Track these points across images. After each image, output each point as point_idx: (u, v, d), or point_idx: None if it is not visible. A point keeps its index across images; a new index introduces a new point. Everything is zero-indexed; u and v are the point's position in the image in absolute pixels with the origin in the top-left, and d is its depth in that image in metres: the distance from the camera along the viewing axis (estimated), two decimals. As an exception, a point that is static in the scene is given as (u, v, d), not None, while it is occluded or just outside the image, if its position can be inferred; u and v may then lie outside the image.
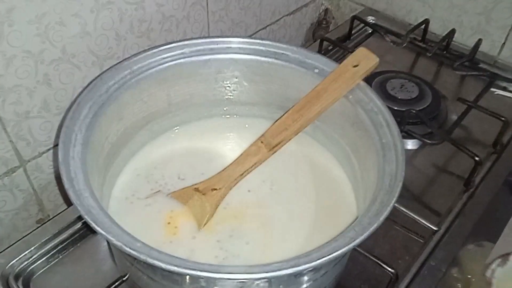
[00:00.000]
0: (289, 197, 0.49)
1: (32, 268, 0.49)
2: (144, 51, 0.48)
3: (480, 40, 0.76)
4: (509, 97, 0.72)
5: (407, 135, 0.61)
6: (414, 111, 0.63)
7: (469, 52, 0.75)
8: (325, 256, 0.32)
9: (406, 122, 0.62)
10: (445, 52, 0.77)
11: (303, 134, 0.54)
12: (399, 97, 0.67)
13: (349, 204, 0.48)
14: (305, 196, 0.49)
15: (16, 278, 0.47)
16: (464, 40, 0.79)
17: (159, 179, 0.49)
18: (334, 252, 0.33)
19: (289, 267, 0.32)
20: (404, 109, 0.64)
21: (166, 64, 0.48)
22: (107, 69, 0.46)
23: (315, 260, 0.32)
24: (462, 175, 0.59)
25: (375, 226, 0.34)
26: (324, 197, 0.49)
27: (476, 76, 0.74)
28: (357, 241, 0.33)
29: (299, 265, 0.32)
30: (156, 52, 0.48)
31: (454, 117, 0.67)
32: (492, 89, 0.72)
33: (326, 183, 0.50)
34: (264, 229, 0.46)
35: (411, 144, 0.64)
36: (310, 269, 0.35)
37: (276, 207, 0.48)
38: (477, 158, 0.56)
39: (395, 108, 0.65)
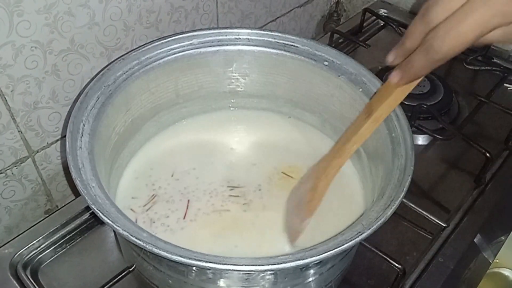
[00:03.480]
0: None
1: (40, 257, 0.49)
2: (152, 41, 0.47)
3: (494, 34, 0.74)
4: (523, 92, 0.71)
5: (417, 130, 0.60)
6: (425, 106, 0.62)
7: (482, 47, 0.74)
8: (331, 250, 0.32)
9: (417, 117, 0.61)
10: (457, 46, 0.76)
11: (311, 127, 0.54)
12: (411, 92, 0.66)
13: (357, 198, 0.47)
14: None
15: (25, 267, 0.48)
16: (477, 34, 0.77)
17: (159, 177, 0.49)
18: (341, 245, 0.32)
19: (295, 260, 0.32)
20: (415, 104, 0.63)
21: (174, 55, 0.48)
22: (115, 60, 0.46)
23: (321, 254, 0.32)
24: (473, 172, 0.58)
25: (382, 220, 0.34)
26: (332, 190, 0.49)
27: (489, 71, 0.73)
28: (364, 235, 0.33)
29: (305, 258, 0.32)
30: (164, 43, 0.48)
31: (466, 113, 0.66)
32: (506, 85, 0.70)
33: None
34: (271, 222, 0.46)
35: (421, 140, 0.63)
36: (316, 262, 0.35)
37: (283, 200, 0.48)
38: (488, 155, 0.55)
39: (406, 102, 0.64)
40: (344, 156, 0.39)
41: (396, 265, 0.46)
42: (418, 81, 0.34)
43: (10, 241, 0.49)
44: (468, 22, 0.27)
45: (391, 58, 0.34)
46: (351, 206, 0.47)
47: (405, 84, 0.34)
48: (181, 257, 0.32)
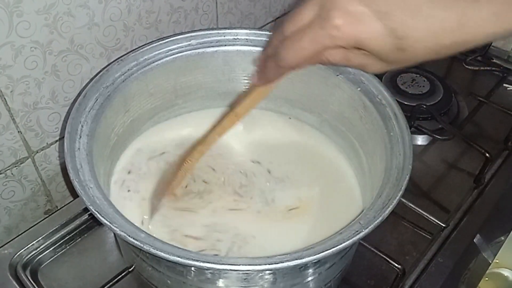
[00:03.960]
0: (294, 190, 0.49)
1: (40, 258, 0.49)
2: (150, 43, 0.47)
3: (493, 35, 0.74)
4: (522, 93, 0.71)
5: (417, 130, 0.60)
6: (424, 106, 0.62)
7: (482, 47, 0.74)
8: (329, 249, 0.32)
9: (416, 117, 0.61)
10: (457, 46, 0.76)
11: (309, 126, 0.54)
12: (410, 92, 0.66)
13: (355, 197, 0.47)
14: (311, 189, 0.49)
15: (24, 267, 0.48)
16: (477, 34, 0.77)
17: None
18: (339, 245, 0.32)
19: (293, 259, 0.32)
20: (414, 104, 0.63)
21: (173, 56, 0.48)
22: (114, 61, 0.46)
23: (319, 253, 0.32)
24: (472, 172, 0.58)
25: (380, 219, 0.34)
26: (330, 190, 0.49)
27: (488, 71, 0.73)
28: (362, 234, 0.33)
29: (302, 258, 0.32)
30: (162, 43, 0.48)
31: (466, 113, 0.66)
32: (505, 85, 0.71)
33: (332, 176, 0.50)
34: (269, 222, 0.45)
35: (421, 140, 0.63)
36: (315, 261, 0.35)
37: (281, 199, 0.48)
38: (488, 155, 0.55)
39: (406, 103, 0.64)
40: (207, 144, 0.44)
41: (396, 265, 0.46)
42: (275, 84, 0.38)
43: (9, 241, 0.49)
44: (305, 40, 0.31)
45: (256, 62, 0.39)
46: (349, 205, 0.47)
47: (262, 85, 0.39)
48: (179, 257, 0.32)
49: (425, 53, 0.30)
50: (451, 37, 0.29)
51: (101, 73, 0.44)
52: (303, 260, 0.32)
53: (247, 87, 0.53)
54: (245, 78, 0.53)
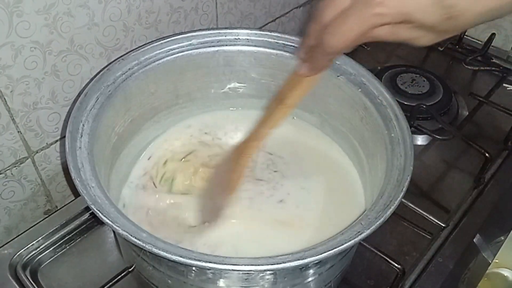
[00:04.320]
0: (297, 190, 0.49)
1: (40, 258, 0.49)
2: (152, 42, 0.47)
3: (493, 35, 0.74)
4: (522, 93, 0.71)
5: (417, 130, 0.60)
6: (424, 106, 0.62)
7: (481, 47, 0.74)
8: (330, 250, 0.32)
9: (416, 117, 0.61)
10: (457, 46, 0.76)
11: (311, 126, 0.54)
12: (410, 92, 0.66)
13: (359, 198, 0.47)
14: (314, 189, 0.49)
15: (24, 267, 0.48)
16: (477, 34, 0.77)
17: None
18: (340, 245, 0.32)
19: (295, 260, 0.32)
20: (414, 104, 0.63)
21: (174, 56, 0.48)
22: (115, 60, 0.46)
23: (321, 253, 0.32)
24: (472, 172, 0.58)
25: (381, 220, 0.34)
26: (335, 190, 0.49)
27: (488, 71, 0.73)
28: (363, 235, 0.33)
29: (304, 258, 0.32)
30: (163, 43, 0.48)
31: (465, 113, 0.66)
32: (505, 85, 0.71)
33: (335, 176, 0.50)
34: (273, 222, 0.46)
35: (421, 140, 0.63)
36: (316, 262, 0.35)
37: (285, 200, 0.48)
38: (487, 155, 0.55)
39: (405, 103, 0.64)
40: (260, 139, 0.43)
41: (396, 265, 0.46)
42: (324, 71, 0.38)
43: (9, 241, 0.49)
44: (350, 22, 0.31)
45: (298, 54, 0.38)
46: (353, 206, 0.47)
47: (311, 74, 0.38)
48: (180, 257, 0.32)
49: (474, 19, 0.29)
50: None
51: (102, 72, 0.44)
52: (305, 261, 0.32)
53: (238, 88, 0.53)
54: (246, 78, 0.53)
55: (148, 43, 0.47)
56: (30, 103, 0.48)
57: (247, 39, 0.50)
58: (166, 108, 0.51)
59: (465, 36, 0.77)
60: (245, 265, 0.32)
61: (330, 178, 0.50)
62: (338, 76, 0.48)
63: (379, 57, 0.76)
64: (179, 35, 0.49)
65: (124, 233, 0.33)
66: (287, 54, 0.50)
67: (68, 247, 0.51)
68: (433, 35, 0.31)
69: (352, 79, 0.47)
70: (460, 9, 0.29)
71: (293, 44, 0.50)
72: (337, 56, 0.35)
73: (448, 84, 0.69)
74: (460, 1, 0.28)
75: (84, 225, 0.52)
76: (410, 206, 0.50)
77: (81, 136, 0.40)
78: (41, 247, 0.49)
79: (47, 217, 0.52)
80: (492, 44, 0.74)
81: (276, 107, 0.41)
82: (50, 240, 0.50)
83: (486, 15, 0.30)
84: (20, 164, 0.51)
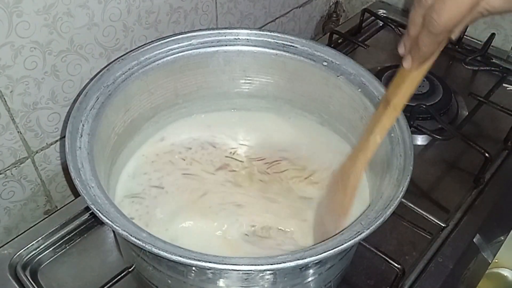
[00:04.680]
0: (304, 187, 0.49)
1: (40, 258, 0.49)
2: (151, 42, 0.47)
3: (493, 35, 0.74)
4: (522, 93, 0.71)
5: (416, 130, 0.60)
6: (424, 106, 0.62)
7: (481, 47, 0.74)
8: (330, 250, 0.32)
9: (416, 117, 0.61)
10: (457, 46, 0.76)
11: (311, 126, 0.54)
12: (409, 92, 0.66)
13: (365, 196, 0.47)
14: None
15: (24, 267, 0.48)
16: (476, 34, 0.77)
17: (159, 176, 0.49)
18: (340, 245, 0.32)
19: (294, 260, 0.32)
20: (414, 104, 0.63)
21: (174, 56, 0.48)
22: (114, 60, 0.46)
23: (320, 253, 0.32)
24: (472, 172, 0.58)
25: (381, 220, 0.34)
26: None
27: (488, 71, 0.73)
28: (363, 235, 0.33)
29: (304, 258, 0.32)
30: (163, 43, 0.48)
31: (465, 113, 0.66)
32: (504, 85, 0.71)
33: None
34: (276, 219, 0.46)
35: (420, 140, 0.63)
36: (315, 262, 0.35)
37: (283, 202, 0.48)
38: (487, 155, 0.55)
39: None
40: (370, 149, 0.40)
41: (396, 265, 0.46)
42: (430, 64, 0.35)
43: (9, 241, 0.49)
44: None
45: (401, 49, 0.36)
46: (357, 203, 0.46)
47: (417, 67, 0.36)
48: (180, 257, 0.32)
49: None
50: None
51: (102, 72, 0.44)
52: (305, 261, 0.32)
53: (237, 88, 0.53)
54: (246, 78, 0.53)
55: (147, 43, 0.47)
56: (30, 103, 0.48)
57: (247, 39, 0.50)
58: (166, 108, 0.51)
59: (465, 36, 0.77)
60: (245, 265, 0.32)
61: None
62: (338, 76, 0.48)
63: (378, 57, 0.76)
64: (178, 35, 0.49)
65: (124, 233, 0.33)
66: (287, 54, 0.50)
67: (68, 247, 0.50)
68: None
69: (352, 79, 0.47)
70: None
71: (292, 44, 0.50)
72: (446, 37, 0.32)
73: (448, 84, 0.69)
74: None
75: (84, 225, 0.51)
76: (410, 206, 0.50)
77: (81, 136, 0.40)
78: (41, 247, 0.49)
79: (47, 217, 0.52)
80: (492, 44, 0.74)
81: (382, 111, 0.39)
82: (50, 240, 0.50)
83: None
84: (20, 164, 0.51)
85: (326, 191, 0.46)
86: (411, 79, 0.37)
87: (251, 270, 0.34)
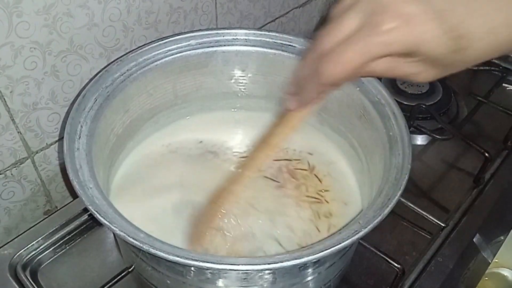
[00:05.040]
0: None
1: (40, 258, 0.49)
2: (150, 43, 0.47)
3: (492, 34, 0.74)
4: (522, 92, 0.71)
5: (416, 130, 0.60)
6: (424, 106, 0.62)
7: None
8: (328, 249, 0.32)
9: (416, 117, 0.61)
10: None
11: (309, 126, 0.54)
12: (409, 92, 0.66)
13: (355, 197, 0.47)
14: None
15: (24, 268, 0.48)
16: (476, 34, 0.77)
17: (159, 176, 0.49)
18: (338, 244, 0.32)
19: (292, 259, 0.32)
20: (414, 104, 0.63)
21: (172, 56, 0.48)
22: (113, 61, 0.46)
23: (318, 252, 0.32)
24: (472, 171, 0.58)
25: (379, 218, 0.34)
26: (330, 190, 0.49)
27: (487, 71, 0.73)
28: (361, 233, 0.33)
29: (302, 257, 0.32)
30: (162, 44, 0.48)
31: (465, 113, 0.66)
32: (504, 85, 0.71)
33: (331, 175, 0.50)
34: (269, 220, 0.46)
35: (420, 140, 0.63)
36: (314, 261, 0.35)
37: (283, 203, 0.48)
38: (487, 154, 0.55)
39: (405, 102, 0.64)
40: (240, 182, 0.41)
41: (395, 265, 0.46)
42: (313, 108, 0.35)
43: (9, 242, 0.49)
44: (352, 50, 0.28)
45: (291, 87, 0.35)
46: (348, 205, 0.47)
47: (301, 109, 0.36)
48: (178, 257, 0.32)
49: (485, 52, 0.28)
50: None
51: (100, 73, 0.45)
52: (302, 260, 0.32)
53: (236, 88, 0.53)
54: (244, 78, 0.53)
55: (146, 44, 0.48)
56: (30, 103, 0.48)
57: (245, 39, 0.50)
58: (165, 109, 0.51)
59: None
60: (243, 264, 0.32)
61: (328, 177, 0.50)
62: (336, 76, 0.48)
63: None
64: (177, 35, 0.49)
65: (122, 234, 0.33)
66: (286, 53, 0.50)
67: (68, 248, 0.51)
68: (435, 70, 0.29)
69: (351, 78, 0.47)
70: (471, 41, 0.27)
71: (291, 44, 0.50)
72: (329, 89, 0.32)
73: (447, 84, 0.69)
74: (474, 31, 0.27)
75: (84, 226, 0.52)
76: (410, 205, 0.50)
77: (79, 137, 0.40)
78: (41, 247, 0.49)
79: (47, 217, 0.52)
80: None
81: (259, 147, 0.40)
82: (50, 241, 0.50)
83: (498, 49, 0.28)
84: (20, 164, 0.51)
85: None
86: (292, 120, 0.37)
87: (249, 270, 0.34)
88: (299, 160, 0.51)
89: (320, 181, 0.49)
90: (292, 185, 0.48)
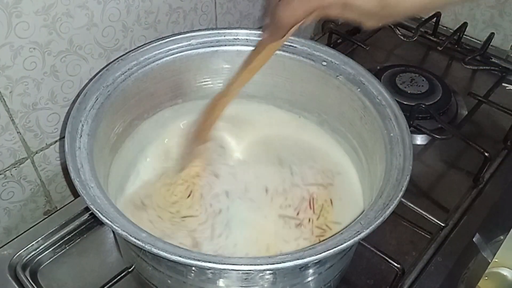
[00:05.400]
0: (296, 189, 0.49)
1: (39, 258, 0.49)
2: (151, 42, 0.47)
3: (492, 34, 0.74)
4: (521, 92, 0.71)
5: (416, 130, 0.60)
6: (423, 106, 0.62)
7: (480, 46, 0.74)
8: (330, 249, 0.32)
9: (416, 117, 0.61)
10: (456, 46, 0.76)
11: (311, 126, 0.54)
12: (409, 92, 0.67)
13: (357, 197, 0.47)
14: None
15: (24, 268, 0.48)
16: (476, 34, 0.77)
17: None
18: (340, 245, 0.32)
19: (294, 260, 0.32)
20: (413, 104, 0.63)
21: (173, 56, 0.48)
22: (114, 60, 0.46)
23: (320, 253, 0.32)
24: (471, 171, 0.58)
25: (381, 219, 0.34)
26: (332, 189, 0.49)
27: (487, 71, 0.73)
28: (362, 234, 0.33)
29: (303, 258, 0.32)
30: (162, 43, 0.48)
31: (465, 112, 0.66)
32: (504, 84, 0.71)
33: (335, 175, 0.50)
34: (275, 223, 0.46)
35: (420, 139, 0.63)
36: (315, 262, 0.35)
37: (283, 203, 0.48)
38: (487, 154, 0.55)
39: (405, 102, 0.64)
40: (229, 96, 0.47)
41: (395, 264, 0.46)
42: (283, 40, 0.41)
43: (9, 242, 0.49)
44: (296, 2, 0.35)
45: (264, 25, 0.42)
46: (350, 206, 0.47)
47: (270, 42, 0.42)
48: (180, 257, 0.32)
49: (411, 8, 0.33)
50: None
51: (101, 72, 0.44)
52: (304, 260, 0.32)
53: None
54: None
55: (147, 43, 0.47)
56: (29, 103, 0.48)
57: (246, 39, 0.50)
58: (165, 108, 0.51)
59: (464, 36, 0.77)
60: (244, 264, 0.32)
61: (331, 177, 0.50)
62: (337, 76, 0.48)
63: (378, 56, 0.76)
64: (178, 35, 0.49)
65: (124, 233, 0.33)
66: (286, 54, 0.50)
67: (67, 248, 0.50)
68: (375, 20, 0.35)
69: (351, 78, 0.47)
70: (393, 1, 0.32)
71: (292, 44, 0.50)
72: (289, 29, 0.38)
73: (447, 84, 0.69)
74: None
75: (84, 226, 0.52)
76: (410, 205, 0.50)
77: (81, 136, 0.40)
78: (40, 247, 0.49)
79: (46, 217, 0.52)
80: (491, 44, 0.74)
81: (242, 69, 0.45)
82: (50, 241, 0.50)
83: (424, 6, 0.34)
84: (20, 164, 0.51)
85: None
86: (268, 49, 0.43)
87: (250, 270, 0.34)
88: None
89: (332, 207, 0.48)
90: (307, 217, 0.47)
